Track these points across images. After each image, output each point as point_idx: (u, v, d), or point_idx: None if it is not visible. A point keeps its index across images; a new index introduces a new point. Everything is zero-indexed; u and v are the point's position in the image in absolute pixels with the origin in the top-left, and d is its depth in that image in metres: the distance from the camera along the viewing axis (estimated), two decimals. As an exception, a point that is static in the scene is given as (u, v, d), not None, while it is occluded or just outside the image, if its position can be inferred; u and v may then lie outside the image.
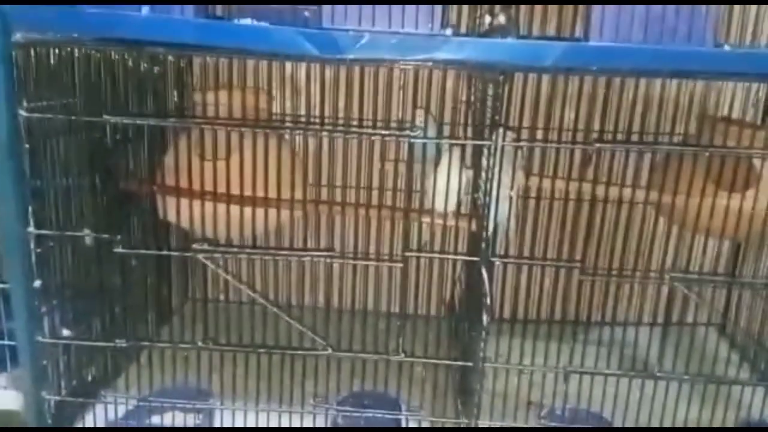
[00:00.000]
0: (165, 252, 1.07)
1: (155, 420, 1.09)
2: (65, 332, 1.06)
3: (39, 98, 0.99)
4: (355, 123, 1.10)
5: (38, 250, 1.00)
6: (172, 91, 1.26)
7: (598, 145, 0.98)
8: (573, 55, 0.88)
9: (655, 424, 1.05)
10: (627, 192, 1.17)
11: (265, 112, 1.19)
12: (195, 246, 1.01)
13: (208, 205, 1.05)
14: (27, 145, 0.96)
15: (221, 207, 1.06)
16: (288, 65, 1.33)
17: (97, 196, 1.12)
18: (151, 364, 1.08)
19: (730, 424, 1.07)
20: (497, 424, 1.07)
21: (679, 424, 1.06)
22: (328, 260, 1.04)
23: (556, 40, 0.94)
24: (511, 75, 0.96)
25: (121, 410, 1.07)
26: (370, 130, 1.00)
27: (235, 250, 1.03)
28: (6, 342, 1.17)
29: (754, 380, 1.16)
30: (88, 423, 1.07)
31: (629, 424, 1.07)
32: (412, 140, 0.98)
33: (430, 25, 0.90)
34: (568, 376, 1.07)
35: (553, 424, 1.09)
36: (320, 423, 1.06)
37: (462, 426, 1.07)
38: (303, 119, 1.30)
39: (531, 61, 0.89)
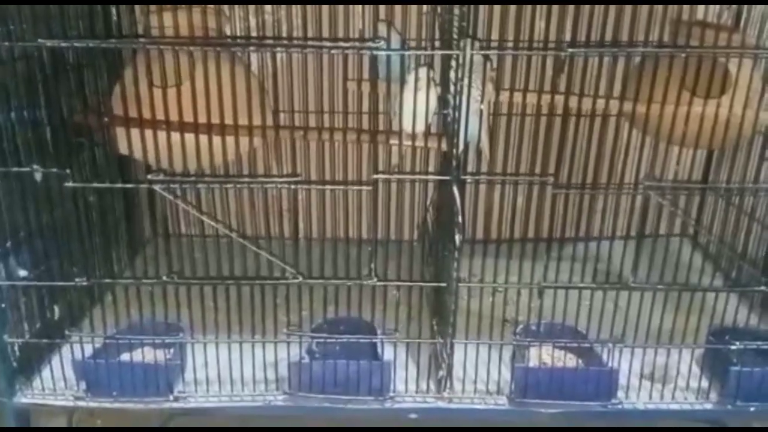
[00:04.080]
0: (118, 185, 1.02)
1: (125, 357, 1.06)
2: (22, 273, 1.02)
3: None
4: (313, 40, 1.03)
5: (-18, 191, 0.95)
6: (111, 17, 1.18)
7: (570, 50, 0.94)
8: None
9: (629, 334, 1.05)
10: (600, 103, 1.13)
11: (215, 32, 1.11)
12: (150, 177, 0.96)
13: (162, 136, 1.00)
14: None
15: (176, 137, 1.00)
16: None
17: (44, 131, 1.05)
18: (116, 302, 1.05)
19: (703, 330, 1.08)
20: (472, 343, 1.06)
21: (653, 333, 1.07)
22: (294, 186, 0.99)
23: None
24: (476, -20, 0.90)
25: (89, 349, 1.04)
26: (329, 44, 0.93)
27: (193, 179, 0.98)
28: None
29: (726, 287, 1.16)
30: (55, 364, 1.05)
31: (604, 335, 1.07)
32: (375, 52, 0.93)
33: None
34: (542, 292, 1.06)
35: (527, 340, 1.09)
36: (294, 351, 1.05)
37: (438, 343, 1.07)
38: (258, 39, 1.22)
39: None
